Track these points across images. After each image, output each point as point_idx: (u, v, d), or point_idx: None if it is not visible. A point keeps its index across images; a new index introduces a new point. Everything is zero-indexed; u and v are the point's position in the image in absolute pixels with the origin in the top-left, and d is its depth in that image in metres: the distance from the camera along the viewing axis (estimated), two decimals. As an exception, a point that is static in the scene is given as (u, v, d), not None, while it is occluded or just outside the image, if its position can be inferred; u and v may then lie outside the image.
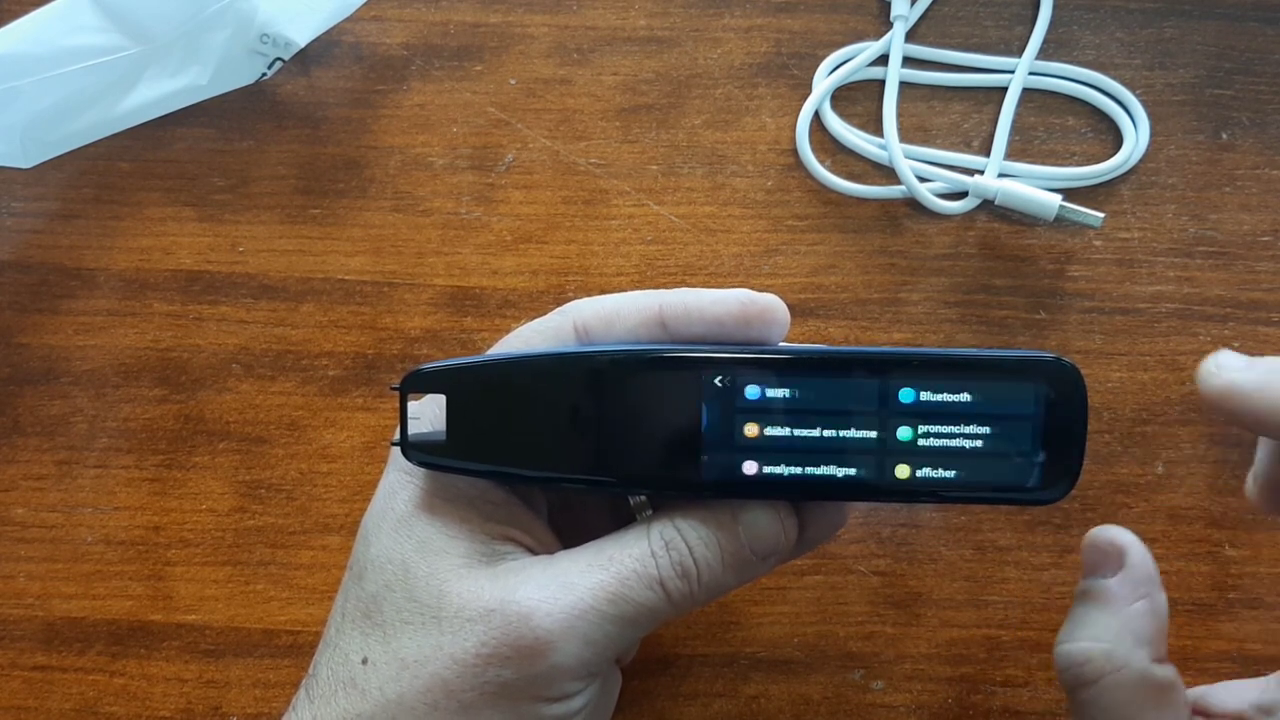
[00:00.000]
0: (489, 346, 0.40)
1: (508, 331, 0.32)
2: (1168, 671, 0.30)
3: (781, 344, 0.29)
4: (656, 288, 0.40)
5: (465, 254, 0.41)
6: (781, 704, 0.38)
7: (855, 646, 0.38)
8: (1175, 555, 0.38)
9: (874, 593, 0.38)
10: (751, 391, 0.27)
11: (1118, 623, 0.32)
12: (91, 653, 0.39)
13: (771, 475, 0.27)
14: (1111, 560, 0.32)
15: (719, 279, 0.40)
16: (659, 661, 0.38)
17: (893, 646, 0.38)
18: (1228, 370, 0.27)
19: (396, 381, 0.29)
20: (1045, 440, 0.27)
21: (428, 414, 0.30)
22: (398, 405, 0.29)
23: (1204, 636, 0.38)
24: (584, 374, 0.28)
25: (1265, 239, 0.40)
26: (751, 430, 0.27)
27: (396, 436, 0.29)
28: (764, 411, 0.27)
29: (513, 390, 0.28)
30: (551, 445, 0.28)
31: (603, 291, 0.40)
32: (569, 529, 0.31)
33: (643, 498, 0.30)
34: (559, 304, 0.39)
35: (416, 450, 0.28)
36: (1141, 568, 0.32)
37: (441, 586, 0.27)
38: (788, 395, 0.27)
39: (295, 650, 0.39)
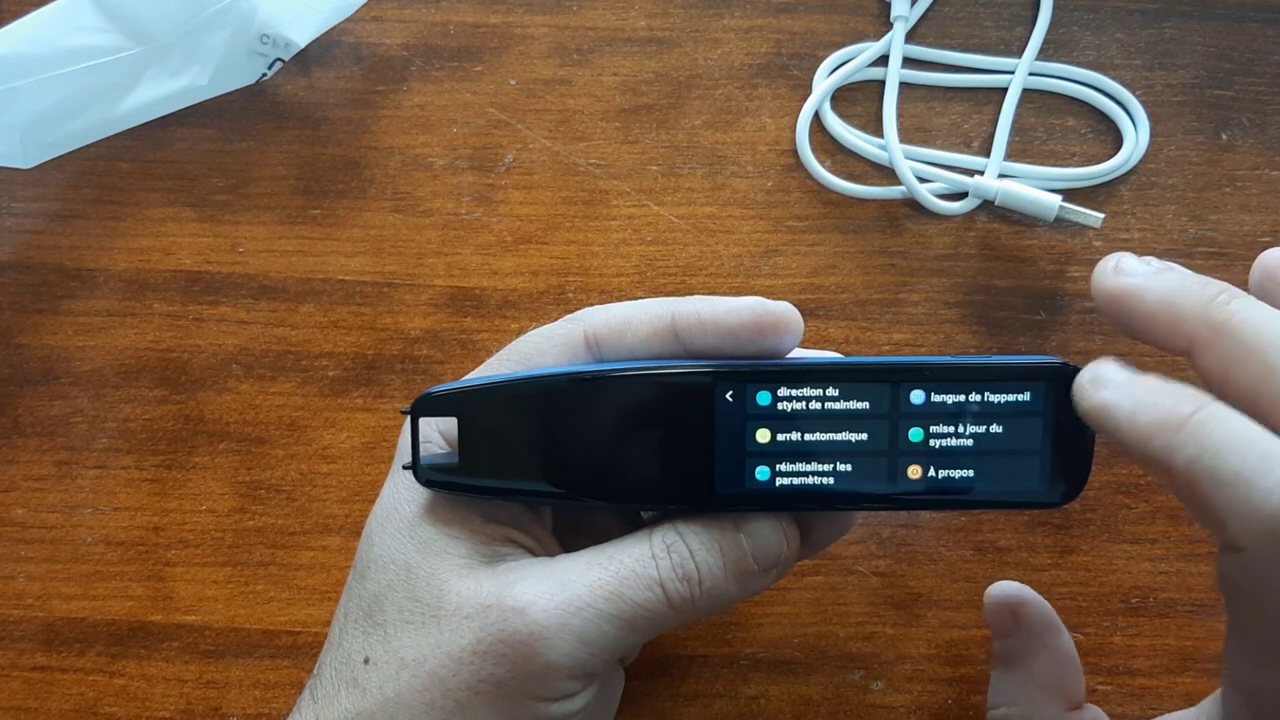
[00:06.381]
0: (489, 347, 0.40)
1: (508, 332, 0.32)
2: (1083, 717, 0.31)
3: (792, 355, 0.29)
4: (657, 288, 0.40)
5: (465, 254, 0.41)
6: (781, 704, 0.38)
7: (855, 647, 0.38)
8: (1175, 555, 0.38)
9: (874, 593, 0.38)
10: (763, 398, 0.27)
11: (1026, 682, 0.32)
12: (91, 653, 0.39)
13: (783, 488, 0.28)
14: (1008, 619, 0.33)
15: (719, 279, 0.40)
16: (659, 662, 0.38)
17: (893, 647, 0.38)
18: (1128, 275, 0.24)
19: (405, 405, 0.28)
20: (1053, 445, 0.27)
21: (433, 424, 0.30)
22: (408, 419, 0.28)
23: (1204, 637, 0.38)
24: (598, 394, 0.28)
25: (1265, 239, 0.40)
26: (764, 439, 0.27)
27: (408, 460, 0.29)
28: (775, 419, 0.27)
29: (526, 412, 0.28)
30: (565, 465, 0.28)
31: (603, 292, 0.40)
32: (574, 533, 0.31)
33: None
34: (559, 304, 0.39)
35: (430, 473, 0.28)
36: (1036, 619, 0.33)
37: (442, 586, 0.28)
38: (801, 409, 0.27)
39: (295, 651, 0.39)
